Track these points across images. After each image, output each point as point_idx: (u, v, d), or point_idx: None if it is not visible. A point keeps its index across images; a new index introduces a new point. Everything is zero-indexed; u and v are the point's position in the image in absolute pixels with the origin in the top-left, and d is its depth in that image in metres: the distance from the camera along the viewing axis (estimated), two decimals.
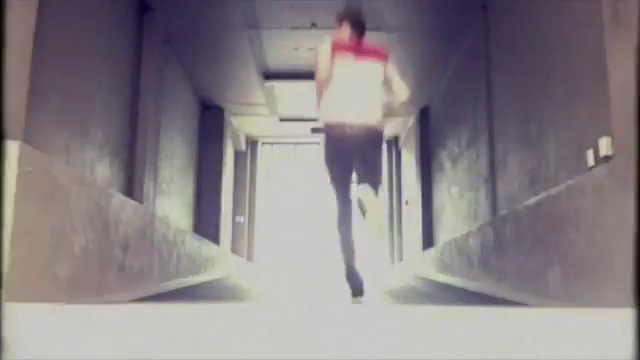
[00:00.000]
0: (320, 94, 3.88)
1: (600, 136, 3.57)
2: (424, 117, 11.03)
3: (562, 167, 4.38)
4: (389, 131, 13.46)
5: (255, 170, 14.35)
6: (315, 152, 14.54)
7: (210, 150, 11.14)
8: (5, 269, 2.31)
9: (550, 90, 4.67)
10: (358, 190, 3.58)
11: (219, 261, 9.09)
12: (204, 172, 10.99)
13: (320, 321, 1.74)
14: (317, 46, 4.03)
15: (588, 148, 3.78)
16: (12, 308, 1.53)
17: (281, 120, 12.28)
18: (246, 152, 14.03)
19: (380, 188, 3.73)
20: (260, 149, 14.53)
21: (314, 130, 12.97)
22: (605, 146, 3.50)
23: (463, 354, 1.32)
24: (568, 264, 3.50)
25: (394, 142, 14.03)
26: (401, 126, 12.77)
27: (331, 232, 3.83)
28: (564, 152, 4.35)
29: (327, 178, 3.83)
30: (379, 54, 3.97)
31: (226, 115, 11.57)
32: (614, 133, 3.38)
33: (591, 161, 3.72)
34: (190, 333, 1.43)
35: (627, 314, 1.38)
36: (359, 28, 4.00)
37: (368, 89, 3.82)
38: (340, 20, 4.08)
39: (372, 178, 3.66)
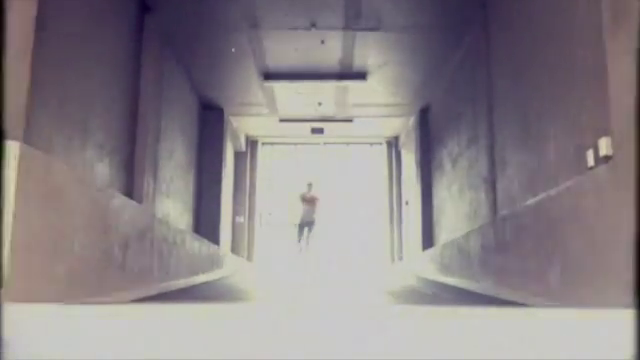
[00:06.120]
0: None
1: (600, 136, 3.57)
2: (424, 117, 11.03)
3: (562, 167, 4.38)
4: (389, 131, 13.47)
5: (255, 170, 14.34)
6: (315, 152, 14.55)
7: (210, 150, 11.14)
8: (5, 269, 2.31)
9: (550, 90, 4.67)
10: (305, 234, 11.86)
11: (219, 261, 9.08)
12: (204, 172, 10.98)
13: (319, 321, 1.74)
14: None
15: (588, 148, 3.78)
16: (12, 308, 1.53)
17: (281, 120, 12.28)
18: (246, 152, 14.02)
19: (313, 234, 11.89)
20: (260, 149, 14.52)
21: (314, 130, 12.97)
22: (605, 146, 3.50)
23: (463, 354, 1.32)
24: (568, 264, 3.50)
25: (394, 142, 14.02)
26: (401, 126, 12.76)
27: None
28: (564, 152, 4.35)
29: (296, 229, 11.90)
30: (315, 197, 11.97)
31: (226, 115, 11.56)
32: (614, 133, 3.38)
33: (591, 161, 3.72)
34: (190, 333, 1.43)
35: (627, 314, 1.37)
36: (310, 189, 11.94)
37: (312, 210, 11.89)
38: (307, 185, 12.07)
39: (310, 232, 11.83)
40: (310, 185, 12.14)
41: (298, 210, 11.92)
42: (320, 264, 11.69)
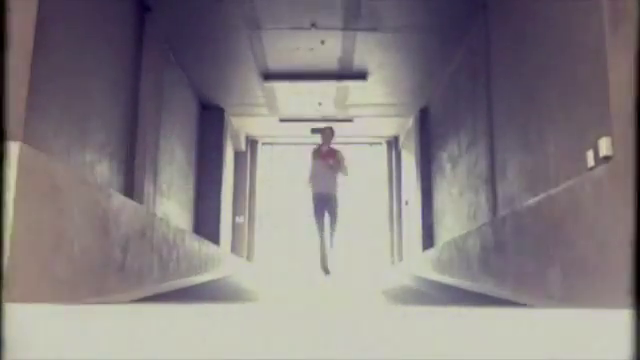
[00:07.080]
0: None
1: (600, 136, 3.57)
2: (424, 117, 11.03)
3: (562, 167, 4.38)
4: (389, 131, 13.47)
5: (255, 170, 14.34)
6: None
7: (210, 150, 11.14)
8: (5, 269, 2.31)
9: (550, 90, 4.67)
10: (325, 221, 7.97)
11: (219, 261, 9.08)
12: (204, 172, 10.98)
13: (317, 322, 1.74)
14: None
15: (588, 148, 3.78)
16: (12, 308, 1.53)
17: (281, 120, 12.28)
18: (246, 152, 14.02)
19: (338, 219, 8.00)
20: (260, 149, 14.52)
21: (314, 130, 12.97)
22: (605, 146, 3.49)
23: (463, 354, 1.32)
24: (568, 264, 3.50)
25: (394, 142, 14.02)
26: (401, 126, 12.76)
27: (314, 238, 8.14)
28: (564, 152, 4.35)
29: (311, 214, 7.93)
30: (336, 151, 8.24)
31: (226, 115, 11.56)
32: (614, 133, 3.38)
33: (591, 161, 3.72)
34: (190, 333, 1.43)
35: (627, 314, 1.37)
36: (326, 139, 8.23)
37: (331, 174, 7.97)
38: (321, 133, 8.40)
39: (333, 216, 7.92)
40: (327, 132, 8.01)
41: (311, 175, 7.92)
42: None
